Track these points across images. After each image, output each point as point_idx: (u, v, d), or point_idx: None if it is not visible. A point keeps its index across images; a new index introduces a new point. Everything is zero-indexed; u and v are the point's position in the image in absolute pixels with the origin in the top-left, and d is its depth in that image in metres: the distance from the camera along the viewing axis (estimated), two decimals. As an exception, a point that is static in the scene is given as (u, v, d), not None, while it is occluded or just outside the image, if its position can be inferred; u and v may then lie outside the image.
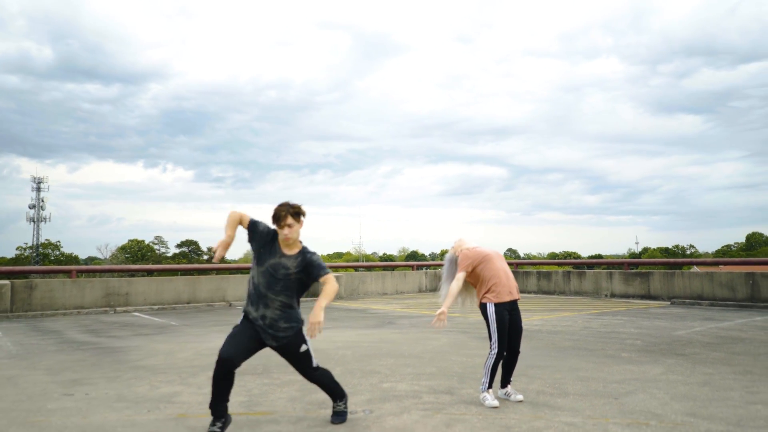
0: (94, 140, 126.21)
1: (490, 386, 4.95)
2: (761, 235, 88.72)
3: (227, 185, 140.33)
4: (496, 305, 4.95)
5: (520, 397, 5.03)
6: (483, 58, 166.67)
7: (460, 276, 5.08)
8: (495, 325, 4.93)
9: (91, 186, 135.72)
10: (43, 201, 77.12)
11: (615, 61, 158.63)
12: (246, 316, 4.18)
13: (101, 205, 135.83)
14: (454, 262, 5.29)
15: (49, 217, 77.35)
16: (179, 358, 7.34)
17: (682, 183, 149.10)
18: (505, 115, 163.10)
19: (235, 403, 5.02)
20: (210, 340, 8.89)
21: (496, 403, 4.83)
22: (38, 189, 76.50)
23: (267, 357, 7.21)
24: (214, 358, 7.31)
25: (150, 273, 21.57)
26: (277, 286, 4.06)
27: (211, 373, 6.32)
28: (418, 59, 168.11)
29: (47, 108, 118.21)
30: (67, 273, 13.94)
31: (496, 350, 4.92)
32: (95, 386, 5.72)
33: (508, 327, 4.97)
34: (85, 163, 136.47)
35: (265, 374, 6.24)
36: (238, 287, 15.70)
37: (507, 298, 4.99)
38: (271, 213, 4.09)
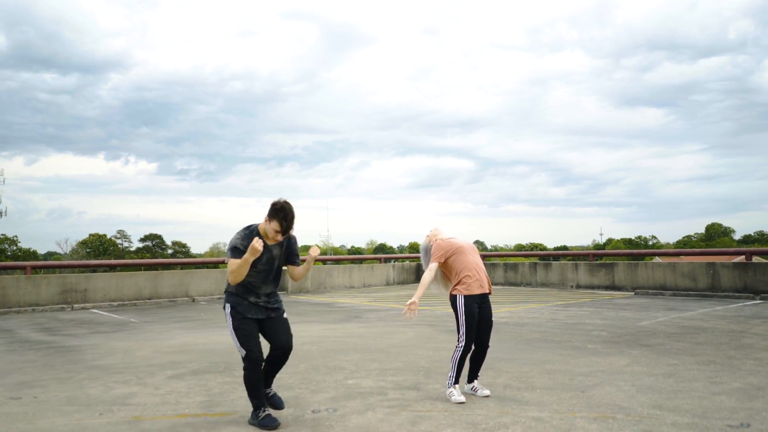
0: (52, 131, 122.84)
1: (456, 381, 4.86)
2: (720, 225, 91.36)
3: (192, 178, 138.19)
4: (466, 297, 4.86)
5: (486, 392, 4.95)
6: (450, 51, 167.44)
7: (433, 266, 4.99)
8: (464, 317, 4.83)
9: (50, 179, 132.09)
10: (-2, 194, 74.64)
11: (580, 54, 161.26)
12: (236, 309, 4.17)
13: (61, 198, 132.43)
14: (428, 252, 5.18)
15: (5, 212, 74.39)
16: (137, 356, 7.07)
17: (644, 175, 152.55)
18: (472, 107, 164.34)
19: (193, 403, 4.83)
20: (171, 337, 8.62)
21: (462, 398, 4.74)
22: (-7, 182, 73.90)
23: (230, 354, 7.02)
24: (174, 356, 7.13)
25: (113, 268, 21.01)
26: (272, 275, 4.25)
27: (171, 372, 6.13)
28: (385, 51, 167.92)
29: (1, 98, 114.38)
30: (22, 269, 13.39)
31: (463, 343, 4.83)
32: (45, 388, 5.44)
33: (477, 320, 4.88)
34: (44, 155, 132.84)
35: (227, 372, 6.05)
36: (202, 282, 15.35)
37: (477, 291, 4.90)
38: (282, 213, 4.07)
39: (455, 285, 4.95)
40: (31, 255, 74.70)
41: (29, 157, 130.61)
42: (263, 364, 4.19)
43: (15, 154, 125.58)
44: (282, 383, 5.36)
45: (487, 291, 5.00)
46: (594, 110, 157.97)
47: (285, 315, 4.38)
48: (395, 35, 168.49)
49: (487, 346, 5.03)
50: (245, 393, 5.10)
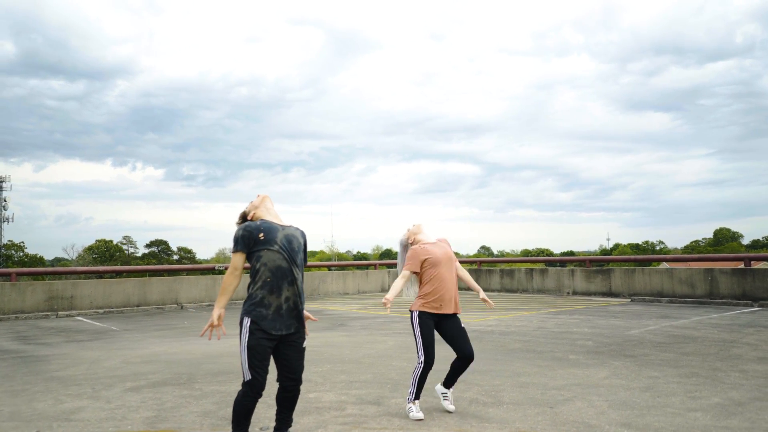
0: (59, 138, 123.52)
1: (417, 397, 4.59)
2: (728, 230, 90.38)
3: (198, 183, 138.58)
4: (421, 314, 4.59)
5: (451, 407, 4.69)
6: (455, 56, 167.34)
7: (405, 274, 4.72)
8: (418, 333, 4.57)
9: (57, 185, 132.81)
10: (5, 201, 75.00)
11: (586, 59, 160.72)
12: (255, 323, 3.59)
13: (68, 204, 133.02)
14: (405, 248, 4.93)
15: (12, 218, 75.24)
16: (103, 367, 6.86)
17: (651, 180, 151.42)
18: (477, 112, 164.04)
19: (139, 419, 4.59)
20: (144, 346, 8.41)
21: (420, 415, 4.48)
22: (0, 188, 74.33)
23: (197, 365, 6.80)
24: (142, 366, 6.90)
25: (102, 275, 20.84)
26: (297, 259, 3.74)
27: (130, 384, 5.90)
28: (390, 56, 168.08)
29: (9, 105, 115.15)
30: (7, 276, 13.23)
31: (422, 360, 4.55)
32: (-7, 402, 5.23)
33: (433, 336, 4.60)
34: (51, 162, 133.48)
35: (187, 384, 5.81)
36: (192, 289, 15.15)
37: (434, 310, 4.59)
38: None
39: (417, 297, 4.69)
40: (37, 261, 75.00)
41: (37, 163, 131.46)
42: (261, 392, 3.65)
43: (23, 160, 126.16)
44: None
45: (451, 311, 4.65)
46: (600, 115, 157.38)
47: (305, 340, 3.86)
48: (401, 41, 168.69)
49: (471, 358, 4.63)
50: (198, 408, 4.89)
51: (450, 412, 4.66)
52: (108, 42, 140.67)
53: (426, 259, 4.68)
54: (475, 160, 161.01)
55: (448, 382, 4.77)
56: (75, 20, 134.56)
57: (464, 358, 4.61)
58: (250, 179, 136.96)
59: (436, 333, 4.66)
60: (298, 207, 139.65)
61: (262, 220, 3.82)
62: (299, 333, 3.74)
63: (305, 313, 3.82)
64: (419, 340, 4.55)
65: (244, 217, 3.95)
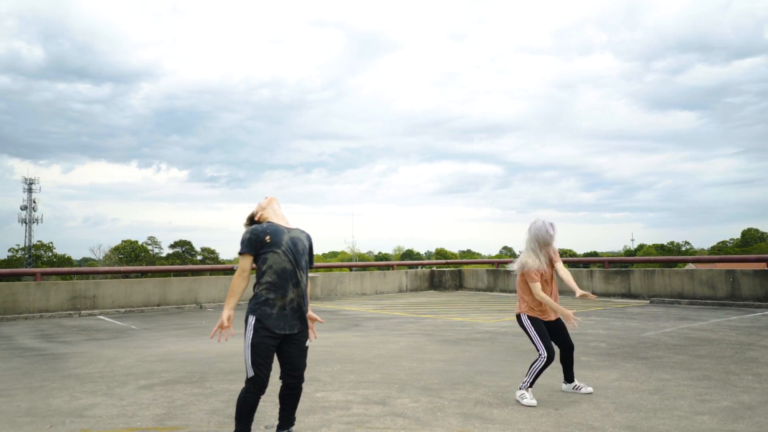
0: (86, 140, 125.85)
1: (530, 385, 4.98)
2: (756, 231, 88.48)
3: (222, 184, 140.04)
4: (530, 316, 5.13)
5: (589, 389, 5.26)
6: (476, 56, 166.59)
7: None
8: (533, 330, 5.05)
9: (85, 186, 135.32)
10: (35, 202, 76.72)
11: (609, 58, 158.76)
12: (260, 321, 3.68)
13: (95, 205, 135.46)
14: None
15: (41, 219, 76.94)
16: (119, 365, 7.01)
17: (677, 179, 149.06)
18: (499, 112, 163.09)
19: (149, 416, 4.70)
20: (161, 345, 8.56)
21: (533, 402, 4.87)
22: (30, 190, 76.08)
23: (211, 364, 6.91)
24: (157, 365, 7.03)
25: (128, 275, 21.21)
26: (302, 261, 3.84)
27: (144, 382, 6.02)
28: (411, 57, 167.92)
29: (38, 108, 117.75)
30: (32, 276, 13.56)
31: (543, 354, 4.93)
32: (11, 398, 5.38)
33: (547, 331, 5.09)
34: (79, 164, 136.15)
35: (199, 383, 5.92)
36: (211, 289, 15.36)
37: (540, 315, 5.14)
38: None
39: (522, 303, 5.23)
40: (66, 261, 76.49)
41: (65, 165, 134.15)
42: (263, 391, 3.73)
43: (52, 162, 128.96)
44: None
45: (552, 318, 5.21)
46: (624, 114, 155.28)
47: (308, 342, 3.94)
48: (421, 41, 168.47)
49: (571, 346, 5.25)
50: (207, 406, 4.99)
51: (590, 393, 5.21)
52: (132, 46, 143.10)
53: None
54: (496, 160, 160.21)
55: (568, 377, 5.31)
56: (100, 25, 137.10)
57: (567, 348, 5.22)
58: (272, 180, 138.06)
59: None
60: (319, 208, 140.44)
61: (268, 222, 3.90)
62: (302, 333, 3.83)
63: (311, 314, 3.91)
64: (535, 337, 5.01)
65: (251, 218, 4.04)
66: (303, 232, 3.98)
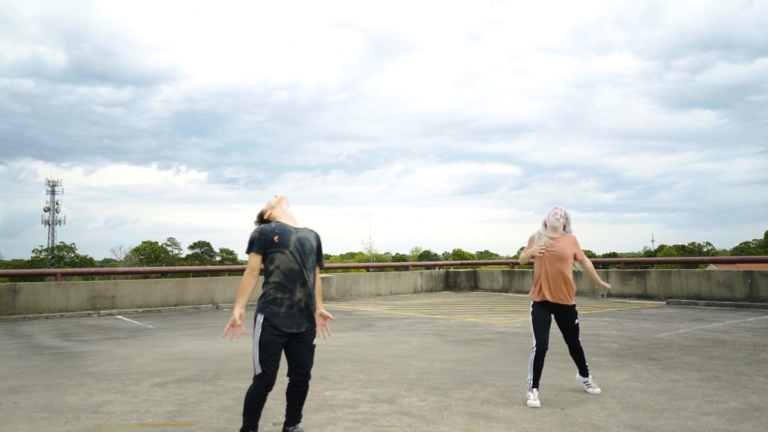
0: (107, 143, 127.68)
1: (534, 385, 4.98)
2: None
3: (240, 186, 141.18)
4: (534, 303, 5.39)
5: (597, 390, 5.28)
6: (493, 56, 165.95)
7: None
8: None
9: (106, 188, 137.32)
10: (57, 204, 78.07)
11: (628, 57, 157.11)
12: (268, 320, 3.77)
13: (117, 207, 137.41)
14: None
15: (64, 220, 78.44)
16: (135, 363, 7.15)
17: (698, 179, 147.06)
18: (516, 112, 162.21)
19: (161, 412, 4.81)
20: (176, 344, 8.71)
21: (536, 403, 4.85)
22: (53, 192, 77.43)
23: (223, 362, 7.02)
24: (171, 363, 7.17)
25: (147, 275, 21.49)
26: (309, 261, 3.89)
27: (158, 380, 6.15)
28: (428, 58, 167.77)
29: (61, 111, 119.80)
30: (53, 276, 13.85)
31: (533, 345, 5.12)
32: (30, 394, 5.54)
33: (544, 322, 5.23)
34: (100, 166, 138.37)
35: (211, 381, 6.03)
36: (227, 289, 15.54)
37: (543, 299, 5.37)
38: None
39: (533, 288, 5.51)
40: (87, 262, 77.70)
41: (87, 167, 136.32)
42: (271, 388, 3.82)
43: (74, 164, 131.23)
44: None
45: (563, 302, 5.41)
46: (643, 113, 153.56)
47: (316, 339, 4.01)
48: (438, 42, 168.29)
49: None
50: (218, 403, 5.09)
51: (597, 393, 5.25)
52: (152, 49, 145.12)
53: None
54: (514, 160, 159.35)
55: (582, 371, 5.37)
56: (121, 29, 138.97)
57: (570, 346, 5.41)
58: (291, 182, 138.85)
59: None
60: (337, 209, 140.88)
61: (277, 222, 3.98)
62: (310, 331, 3.91)
63: (323, 311, 3.99)
64: (532, 327, 5.20)
65: (261, 216, 4.14)
66: (311, 231, 4.06)
